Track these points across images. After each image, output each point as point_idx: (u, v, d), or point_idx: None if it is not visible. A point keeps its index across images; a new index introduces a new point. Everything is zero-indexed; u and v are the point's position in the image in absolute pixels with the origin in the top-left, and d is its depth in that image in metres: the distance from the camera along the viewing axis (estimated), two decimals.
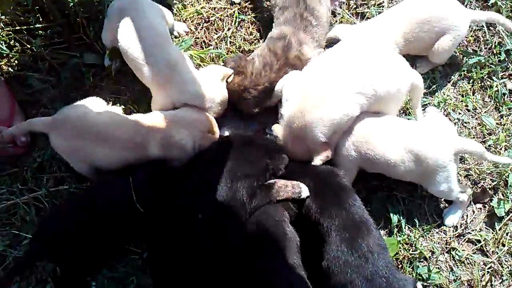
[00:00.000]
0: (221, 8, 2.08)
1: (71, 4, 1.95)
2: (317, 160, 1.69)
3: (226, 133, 1.93)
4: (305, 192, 1.57)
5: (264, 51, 1.85)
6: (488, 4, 2.15)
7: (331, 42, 1.96)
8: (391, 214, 1.85)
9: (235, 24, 2.07)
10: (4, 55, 1.95)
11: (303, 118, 1.67)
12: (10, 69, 1.96)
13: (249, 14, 2.11)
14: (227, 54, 2.02)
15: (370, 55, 1.71)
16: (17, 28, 1.96)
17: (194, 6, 2.05)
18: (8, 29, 1.96)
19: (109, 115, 1.73)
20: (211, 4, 2.06)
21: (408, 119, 1.94)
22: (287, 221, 1.54)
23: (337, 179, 1.63)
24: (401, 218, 1.85)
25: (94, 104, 1.76)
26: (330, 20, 1.97)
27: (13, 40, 1.97)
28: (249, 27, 2.09)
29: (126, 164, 1.70)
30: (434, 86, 2.04)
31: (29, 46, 1.96)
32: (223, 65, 1.91)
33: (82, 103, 1.76)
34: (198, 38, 2.04)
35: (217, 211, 1.49)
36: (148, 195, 1.59)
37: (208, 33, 2.06)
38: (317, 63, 1.75)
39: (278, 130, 1.77)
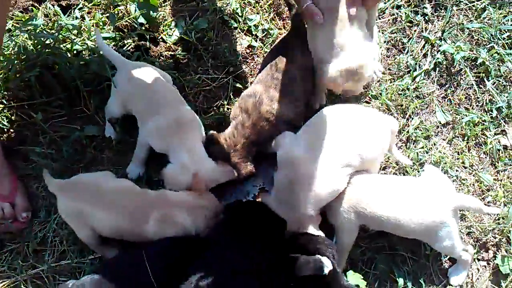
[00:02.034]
0: (216, 78, 2.13)
1: (71, 76, 1.98)
2: (313, 230, 1.70)
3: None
4: (328, 266, 1.50)
5: (235, 112, 1.90)
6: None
7: None
8: (397, 276, 1.84)
9: (230, 91, 2.12)
10: (5, 130, 1.97)
11: (290, 194, 1.69)
12: (10, 144, 1.97)
13: (243, 82, 2.16)
14: (224, 120, 2.05)
15: (351, 122, 1.73)
16: (18, 103, 1.99)
17: (192, 76, 2.10)
18: (10, 104, 1.99)
19: (120, 183, 1.76)
20: (208, 75, 2.12)
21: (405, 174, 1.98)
22: None
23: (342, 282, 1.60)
24: (407, 279, 1.84)
25: (108, 176, 1.80)
26: None
27: (14, 115, 2.00)
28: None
29: (120, 235, 1.72)
30: (430, 144, 2.08)
31: (30, 120, 1.99)
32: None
33: (97, 173, 1.83)
34: (197, 106, 2.08)
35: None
36: (160, 271, 1.57)
37: (207, 101, 2.10)
38: (303, 135, 1.76)
39: (269, 200, 1.75)
